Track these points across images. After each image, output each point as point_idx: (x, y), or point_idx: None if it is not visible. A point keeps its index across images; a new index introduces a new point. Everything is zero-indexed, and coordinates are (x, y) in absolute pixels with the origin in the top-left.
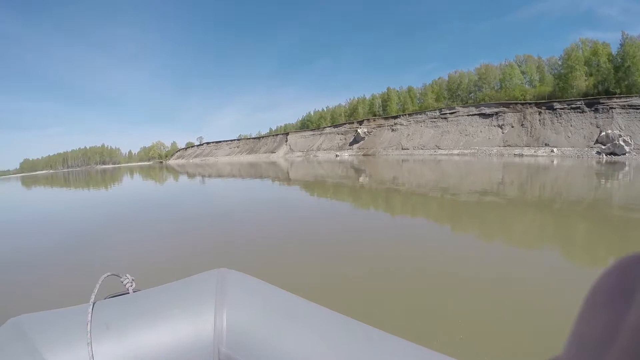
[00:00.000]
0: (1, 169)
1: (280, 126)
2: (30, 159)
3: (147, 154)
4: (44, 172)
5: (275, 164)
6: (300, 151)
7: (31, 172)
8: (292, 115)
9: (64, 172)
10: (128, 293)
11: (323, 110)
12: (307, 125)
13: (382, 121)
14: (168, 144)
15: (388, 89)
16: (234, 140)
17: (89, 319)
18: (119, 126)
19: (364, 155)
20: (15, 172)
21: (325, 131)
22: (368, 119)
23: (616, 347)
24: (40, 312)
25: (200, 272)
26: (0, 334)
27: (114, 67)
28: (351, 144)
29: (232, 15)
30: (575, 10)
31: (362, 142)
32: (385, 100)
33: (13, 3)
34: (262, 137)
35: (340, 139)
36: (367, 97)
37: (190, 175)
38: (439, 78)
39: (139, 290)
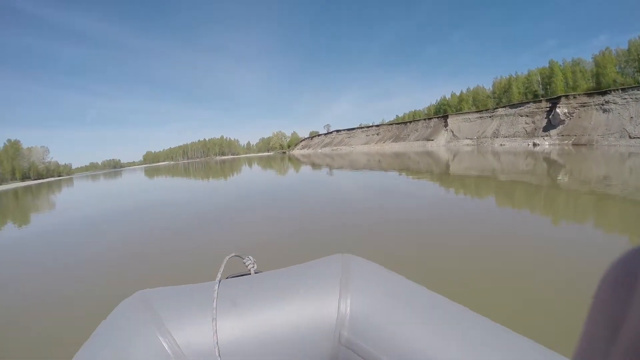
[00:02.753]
0: (128, 160)
1: (408, 113)
2: (153, 152)
3: (266, 144)
4: (164, 163)
5: (432, 155)
6: (467, 138)
7: (153, 163)
8: (407, 103)
9: (183, 163)
10: (249, 274)
11: (463, 92)
12: (445, 110)
13: (584, 98)
14: (287, 134)
15: (551, 62)
16: (372, 126)
17: (215, 295)
18: (236, 120)
19: (573, 144)
20: (139, 163)
21: (497, 112)
22: (566, 96)
23: (619, 344)
24: (166, 287)
25: (323, 257)
26: (128, 304)
27: (231, 68)
28: (545, 128)
29: (336, 7)
30: None
31: (562, 126)
32: (549, 76)
33: (135, 17)
34: (410, 121)
35: (527, 123)
36: (521, 74)
37: (316, 166)
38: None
39: (260, 272)
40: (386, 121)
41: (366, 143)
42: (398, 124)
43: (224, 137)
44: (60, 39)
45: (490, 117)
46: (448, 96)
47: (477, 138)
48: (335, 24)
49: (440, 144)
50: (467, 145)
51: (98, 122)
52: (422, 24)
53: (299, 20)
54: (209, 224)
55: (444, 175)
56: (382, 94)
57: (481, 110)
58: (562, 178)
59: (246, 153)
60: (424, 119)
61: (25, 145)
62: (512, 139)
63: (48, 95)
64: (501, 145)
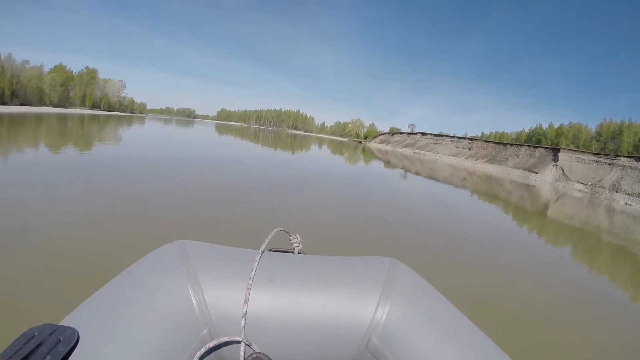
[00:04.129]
0: (202, 113)
1: (494, 132)
2: (227, 110)
3: (341, 129)
4: (236, 123)
5: (530, 189)
6: (580, 182)
7: (225, 121)
8: (487, 123)
9: (254, 128)
10: (292, 252)
11: (563, 126)
12: (540, 140)
13: None
14: (365, 124)
15: None
16: (464, 138)
17: (255, 266)
18: (314, 98)
19: None
20: (213, 118)
21: (620, 161)
22: None
23: None
24: (206, 242)
25: (370, 256)
26: (166, 250)
27: (316, 43)
28: None
29: (431, 10)
30: None
31: None
32: None
33: None
34: (511, 144)
35: None
36: (634, 122)
37: (389, 165)
38: None
39: (304, 254)
40: (469, 135)
41: (454, 155)
42: (496, 143)
43: (300, 112)
44: None
45: (609, 164)
46: (544, 125)
47: (592, 186)
48: (430, 25)
49: (545, 180)
50: (579, 190)
51: (182, 71)
52: (517, 44)
53: (395, 14)
54: (260, 194)
55: (537, 215)
56: (462, 108)
57: (599, 154)
58: None
59: (319, 133)
60: (528, 146)
61: (104, 77)
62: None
63: (138, 35)
64: (627, 204)
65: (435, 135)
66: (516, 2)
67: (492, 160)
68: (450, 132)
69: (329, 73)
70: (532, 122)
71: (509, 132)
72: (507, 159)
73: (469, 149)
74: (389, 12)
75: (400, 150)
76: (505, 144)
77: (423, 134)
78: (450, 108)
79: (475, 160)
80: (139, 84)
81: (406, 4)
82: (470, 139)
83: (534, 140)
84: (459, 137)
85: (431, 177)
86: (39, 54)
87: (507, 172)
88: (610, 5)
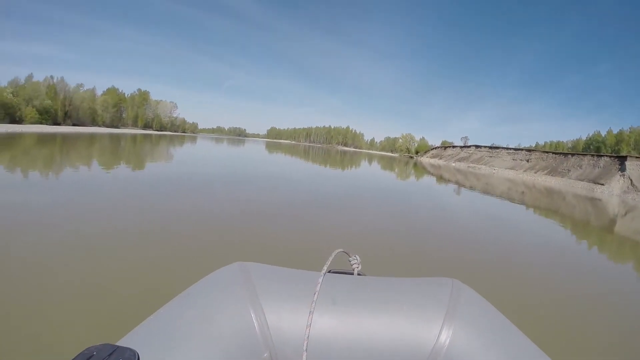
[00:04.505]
0: (252, 131)
1: (548, 142)
2: (277, 128)
3: (390, 144)
4: (286, 141)
5: (595, 203)
6: None
7: (275, 139)
8: (538, 132)
9: (304, 145)
10: (352, 274)
11: (623, 131)
12: (599, 148)
13: None
14: (415, 138)
15: None
16: (521, 149)
17: (318, 289)
18: (362, 113)
19: None
20: (263, 136)
21: None
22: None
23: None
24: (267, 264)
25: (431, 277)
26: (226, 272)
27: (364, 60)
28: None
29: (479, 18)
30: None
31: None
32: None
33: (282, 2)
34: (572, 154)
35: None
36: None
37: (442, 180)
38: None
39: (364, 275)
40: (523, 146)
41: (511, 168)
42: (555, 153)
43: (350, 129)
44: (207, 10)
45: None
46: (603, 132)
47: None
48: (477, 36)
49: (613, 192)
50: None
51: (232, 91)
52: (566, 49)
53: (440, 26)
54: (312, 212)
55: (602, 232)
56: (514, 118)
57: None
58: None
59: (368, 149)
60: (592, 155)
61: (157, 98)
62: None
63: (188, 59)
64: None
65: (490, 147)
66: (557, 12)
67: (552, 172)
68: (501, 143)
69: (376, 89)
70: (585, 129)
71: (564, 141)
72: (569, 170)
73: (527, 161)
74: (435, 27)
75: (453, 164)
76: (566, 154)
77: (477, 146)
78: (500, 119)
79: (535, 172)
80: (192, 104)
81: (452, 19)
82: (528, 150)
83: (592, 148)
84: (515, 149)
85: (487, 192)
86: (96, 77)
87: (570, 184)
88: None
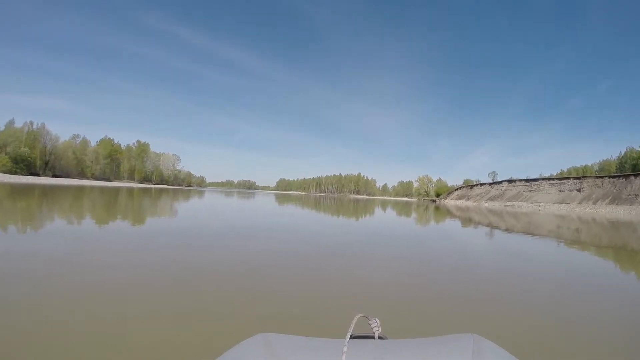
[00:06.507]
0: (262, 184)
1: (571, 167)
2: (286, 179)
3: (404, 189)
4: (296, 192)
5: None
6: None
7: (285, 190)
8: (549, 163)
9: (315, 195)
10: (373, 337)
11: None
12: (636, 165)
13: None
14: (432, 180)
15: None
16: (567, 178)
17: (343, 358)
18: (371, 160)
19: None
20: (273, 188)
21: None
22: None
23: None
24: (288, 335)
25: (449, 334)
26: (250, 345)
27: (369, 110)
28: None
29: (475, 54)
30: None
31: None
32: None
33: (284, 57)
34: (635, 174)
35: None
36: None
37: (468, 221)
38: None
39: (385, 338)
40: (545, 174)
41: (561, 201)
42: (612, 177)
43: (362, 176)
44: (211, 66)
45: None
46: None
47: None
48: (477, 74)
49: None
50: None
51: (240, 144)
52: (564, 73)
53: (435, 68)
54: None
55: None
56: (519, 150)
57: None
58: None
59: (382, 195)
60: None
61: (166, 151)
62: None
63: (197, 114)
64: None
65: (527, 180)
66: (550, 43)
67: (615, 199)
68: (517, 175)
69: (384, 134)
70: (597, 149)
71: (590, 164)
72: (636, 195)
73: (578, 191)
74: (432, 68)
75: (486, 204)
76: (626, 176)
77: (509, 181)
78: (512, 150)
79: (594, 203)
80: (202, 158)
81: (452, 61)
82: (576, 177)
83: (626, 167)
84: (559, 178)
85: (527, 232)
86: (107, 131)
87: (638, 212)
88: None
